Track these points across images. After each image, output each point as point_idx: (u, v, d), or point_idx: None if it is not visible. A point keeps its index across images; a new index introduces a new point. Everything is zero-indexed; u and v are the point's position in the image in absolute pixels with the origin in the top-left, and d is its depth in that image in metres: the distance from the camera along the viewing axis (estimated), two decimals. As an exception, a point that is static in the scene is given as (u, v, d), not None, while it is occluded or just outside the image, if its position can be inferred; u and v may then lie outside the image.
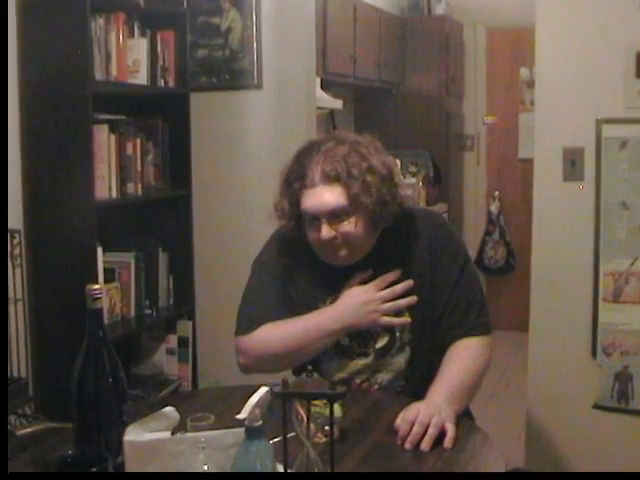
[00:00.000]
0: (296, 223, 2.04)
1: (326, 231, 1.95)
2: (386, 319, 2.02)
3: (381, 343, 2.07)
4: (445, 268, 2.06)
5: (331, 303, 2.06)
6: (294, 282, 2.12)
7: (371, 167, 1.98)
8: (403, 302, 2.02)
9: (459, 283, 2.06)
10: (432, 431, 1.67)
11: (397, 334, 2.07)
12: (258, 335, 2.05)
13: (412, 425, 1.69)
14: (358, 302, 2.01)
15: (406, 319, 2.04)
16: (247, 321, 2.09)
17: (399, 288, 2.02)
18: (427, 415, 1.70)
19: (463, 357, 1.97)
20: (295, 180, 2.00)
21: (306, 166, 1.97)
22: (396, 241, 2.08)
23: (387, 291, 2.02)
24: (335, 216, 1.95)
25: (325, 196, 1.94)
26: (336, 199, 1.94)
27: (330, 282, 2.08)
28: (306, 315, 2.04)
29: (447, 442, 1.67)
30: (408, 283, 2.02)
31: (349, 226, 1.96)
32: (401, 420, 1.71)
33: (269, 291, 2.11)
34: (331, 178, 1.94)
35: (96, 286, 1.52)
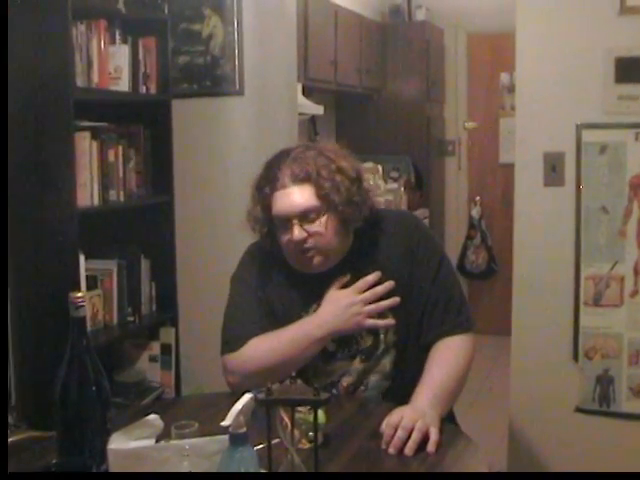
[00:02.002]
0: (269, 230, 2.05)
1: (297, 231, 1.95)
2: (370, 321, 2.02)
3: (366, 346, 2.08)
4: (422, 267, 2.07)
5: (315, 311, 2.05)
6: (275, 294, 2.11)
7: (340, 168, 1.99)
8: (386, 303, 2.02)
9: (437, 282, 2.07)
10: (416, 436, 1.68)
11: (381, 336, 2.07)
12: (246, 352, 2.04)
13: (396, 429, 1.69)
14: (340, 306, 2.01)
15: (390, 320, 2.04)
16: (232, 339, 2.08)
17: (380, 289, 2.02)
18: (411, 419, 1.70)
19: (445, 357, 1.98)
20: (265, 185, 2.01)
21: (276, 171, 1.99)
22: (371, 244, 2.09)
23: (368, 293, 2.02)
24: (306, 217, 1.96)
25: (295, 196, 1.95)
26: (307, 199, 1.95)
27: (311, 290, 2.08)
28: (290, 325, 2.04)
29: (430, 446, 1.68)
30: (389, 284, 2.03)
31: (320, 227, 1.96)
32: (385, 425, 1.72)
33: (251, 306, 2.10)
34: (300, 178, 1.95)
35: (79, 294, 1.52)
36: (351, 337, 2.07)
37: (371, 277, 2.03)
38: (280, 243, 2.03)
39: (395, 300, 2.02)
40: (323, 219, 1.97)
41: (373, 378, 2.09)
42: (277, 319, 2.07)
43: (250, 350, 2.03)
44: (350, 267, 2.06)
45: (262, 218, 2.03)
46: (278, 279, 2.12)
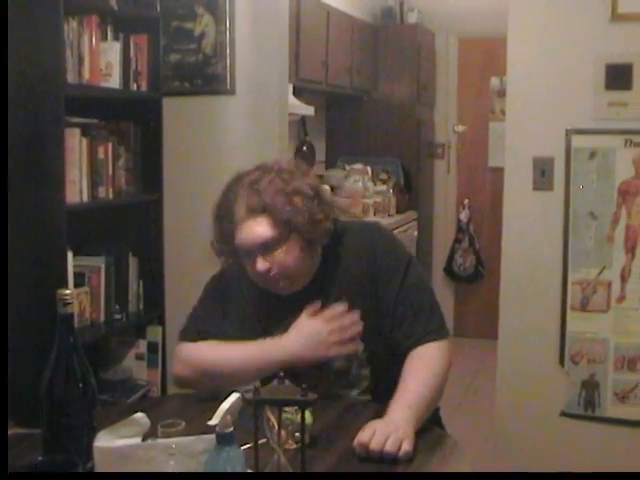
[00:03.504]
0: (234, 259, 2.03)
1: (261, 264, 1.93)
2: (335, 350, 1.98)
3: (338, 367, 2.05)
4: (387, 279, 2.03)
5: (283, 331, 2.01)
6: (242, 317, 2.09)
7: (296, 189, 1.95)
8: (349, 334, 1.97)
9: (403, 292, 2.03)
10: (388, 451, 1.63)
11: (352, 356, 2.04)
12: (199, 347, 2.04)
13: (368, 447, 1.64)
14: (306, 335, 1.97)
15: (353, 346, 2.00)
16: (194, 330, 2.08)
17: (347, 321, 1.98)
18: (383, 435, 1.65)
19: (419, 367, 1.93)
20: (224, 217, 1.99)
21: (232, 202, 1.96)
22: (337, 260, 2.06)
23: (335, 325, 1.97)
24: (267, 248, 1.93)
25: (254, 230, 1.93)
26: (264, 230, 1.92)
27: (279, 312, 2.05)
28: (252, 342, 2.01)
29: (401, 454, 1.64)
30: (354, 316, 1.98)
31: (282, 256, 1.93)
32: (356, 442, 1.67)
33: (218, 311, 2.10)
34: (257, 211, 1.92)
35: (67, 291, 1.51)
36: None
37: (339, 309, 1.99)
38: (247, 270, 2.01)
39: (357, 329, 1.98)
40: (284, 247, 1.94)
41: (353, 393, 2.07)
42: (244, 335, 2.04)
43: (205, 348, 2.03)
44: (318, 288, 2.03)
45: (226, 249, 2.02)
46: (247, 301, 2.10)
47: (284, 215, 1.92)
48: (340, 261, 2.06)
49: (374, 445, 1.64)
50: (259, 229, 1.93)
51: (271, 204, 1.92)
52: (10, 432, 2.04)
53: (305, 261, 1.99)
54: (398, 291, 2.02)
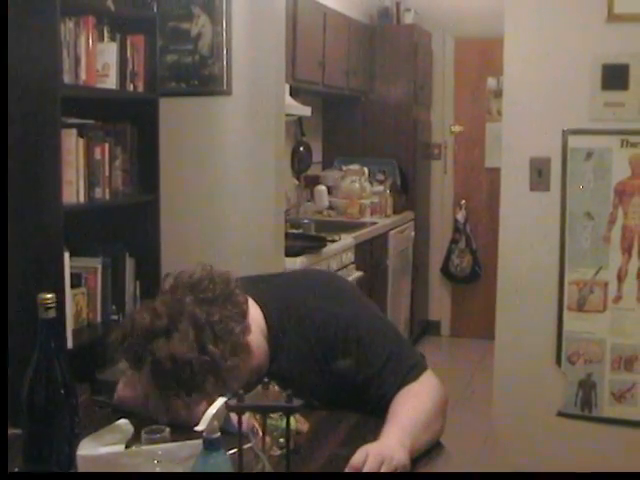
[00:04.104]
0: None
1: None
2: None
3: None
4: (339, 355, 1.86)
5: None
6: None
7: (173, 355, 1.69)
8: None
9: (361, 355, 1.85)
10: None
11: None
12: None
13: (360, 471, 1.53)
14: None
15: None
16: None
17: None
18: (375, 463, 1.53)
19: (407, 398, 1.79)
20: None
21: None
22: (288, 342, 1.91)
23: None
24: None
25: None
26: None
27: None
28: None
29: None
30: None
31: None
32: (349, 468, 1.54)
33: None
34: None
35: (48, 295, 1.48)
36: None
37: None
38: None
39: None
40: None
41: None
42: None
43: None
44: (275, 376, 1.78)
45: None
46: None
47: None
48: (290, 341, 1.90)
49: (367, 471, 1.52)
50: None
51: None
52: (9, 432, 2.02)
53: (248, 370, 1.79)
54: (357, 355, 1.85)
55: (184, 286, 1.82)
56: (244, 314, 1.83)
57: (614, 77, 2.93)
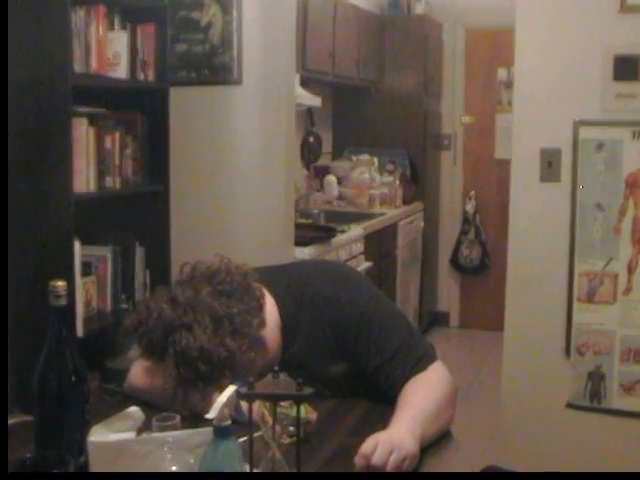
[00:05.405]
0: None
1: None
2: None
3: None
4: (351, 342, 1.89)
5: None
6: None
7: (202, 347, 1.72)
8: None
9: (371, 344, 1.87)
10: (390, 469, 1.52)
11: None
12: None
13: (368, 461, 1.52)
14: None
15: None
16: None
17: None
18: (385, 451, 1.52)
19: (417, 386, 1.80)
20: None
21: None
22: (303, 335, 1.93)
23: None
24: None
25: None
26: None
27: None
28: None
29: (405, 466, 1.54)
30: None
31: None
32: (358, 457, 1.53)
33: None
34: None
35: (59, 283, 1.49)
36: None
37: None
38: None
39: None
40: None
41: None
42: None
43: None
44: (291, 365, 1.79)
45: None
46: None
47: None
48: (304, 334, 1.93)
49: (376, 460, 1.52)
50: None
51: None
52: (16, 419, 2.03)
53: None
54: (367, 344, 1.87)
55: (202, 277, 1.84)
56: (261, 307, 1.85)
57: (626, 68, 2.92)
